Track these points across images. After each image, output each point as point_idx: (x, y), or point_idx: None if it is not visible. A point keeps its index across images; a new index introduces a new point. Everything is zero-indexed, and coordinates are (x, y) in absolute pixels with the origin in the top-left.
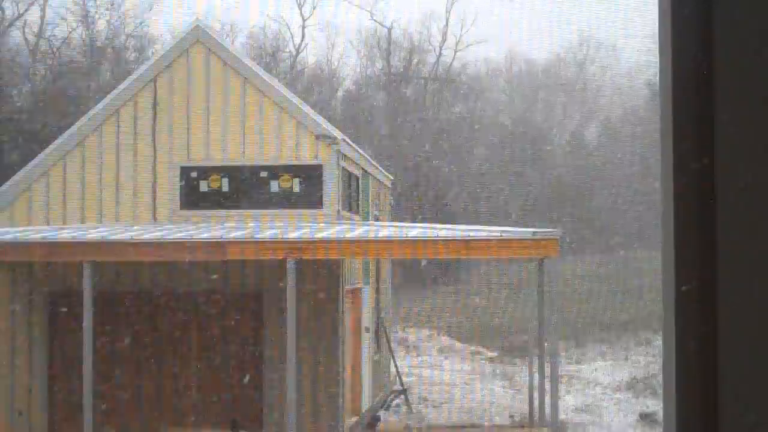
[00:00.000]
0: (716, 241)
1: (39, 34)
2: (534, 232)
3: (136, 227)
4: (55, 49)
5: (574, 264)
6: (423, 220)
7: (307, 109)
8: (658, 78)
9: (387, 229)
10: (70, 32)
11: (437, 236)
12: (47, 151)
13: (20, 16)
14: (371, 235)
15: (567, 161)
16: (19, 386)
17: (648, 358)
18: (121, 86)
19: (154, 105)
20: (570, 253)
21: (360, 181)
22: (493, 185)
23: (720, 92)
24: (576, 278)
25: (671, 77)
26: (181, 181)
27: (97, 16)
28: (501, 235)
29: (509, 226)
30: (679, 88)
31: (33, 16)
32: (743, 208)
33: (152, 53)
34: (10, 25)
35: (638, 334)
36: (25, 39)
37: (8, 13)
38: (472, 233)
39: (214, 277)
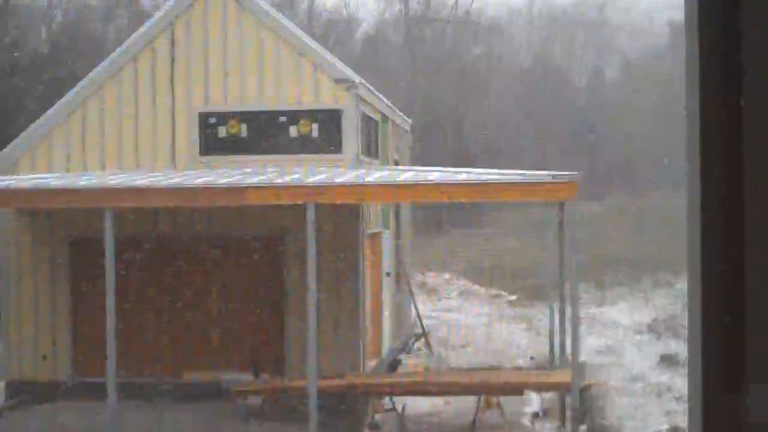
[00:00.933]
0: (743, 177)
1: None
2: (553, 175)
3: (156, 173)
4: None
5: (595, 206)
6: (442, 164)
7: (325, 53)
8: (683, 14)
9: (406, 173)
10: None
11: (456, 179)
12: (66, 98)
13: None
14: (390, 178)
15: (587, 101)
16: (43, 331)
17: (669, 299)
18: (139, 31)
19: (172, 49)
20: (591, 195)
21: (379, 125)
22: (513, 127)
23: (747, 29)
24: (596, 220)
25: (697, 16)
26: (200, 126)
27: None
28: (520, 178)
29: (528, 168)
30: (705, 24)
31: None
32: None
33: None
34: None
35: (659, 276)
36: None
37: None
38: (491, 176)
39: (234, 222)
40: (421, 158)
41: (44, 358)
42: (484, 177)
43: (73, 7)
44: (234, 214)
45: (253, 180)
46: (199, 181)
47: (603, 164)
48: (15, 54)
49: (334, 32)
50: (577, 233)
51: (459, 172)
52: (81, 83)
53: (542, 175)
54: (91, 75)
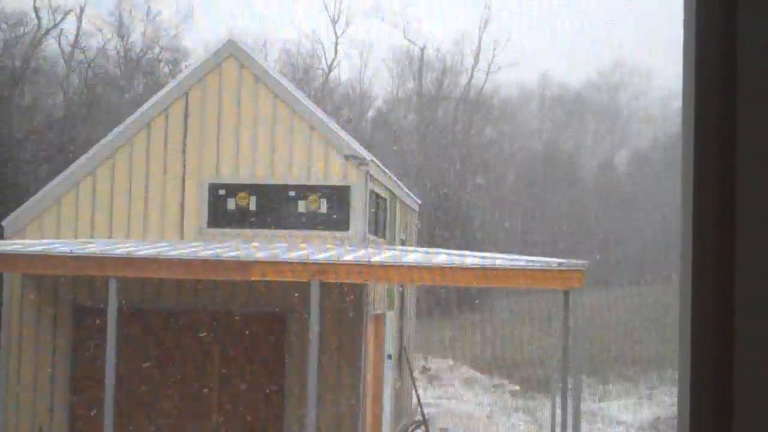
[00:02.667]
0: (735, 259)
1: (74, 44)
2: (559, 263)
3: (162, 244)
4: (89, 60)
5: (600, 296)
6: (450, 246)
7: (336, 128)
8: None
9: (413, 255)
10: (104, 43)
11: (463, 263)
12: (77, 163)
13: (56, 25)
14: (397, 260)
15: (596, 188)
16: (41, 401)
17: (673, 397)
18: (153, 99)
19: (185, 118)
20: (596, 285)
21: (388, 204)
22: (521, 211)
23: (742, 105)
24: (601, 311)
25: (694, 95)
26: (209, 198)
27: (131, 27)
28: (526, 265)
29: (535, 254)
30: (701, 103)
31: (69, 25)
32: (764, 226)
33: (185, 66)
34: (46, 33)
35: (664, 371)
36: (61, 49)
37: (44, 22)
38: (497, 261)
39: (238, 297)
40: (428, 239)
41: (40, 429)
42: (490, 262)
43: (92, 73)
44: (238, 289)
45: (260, 255)
46: (204, 254)
47: (611, 254)
48: (30, 118)
49: (346, 108)
50: (583, 323)
51: (466, 256)
52: (93, 149)
53: (549, 262)
54: (103, 141)
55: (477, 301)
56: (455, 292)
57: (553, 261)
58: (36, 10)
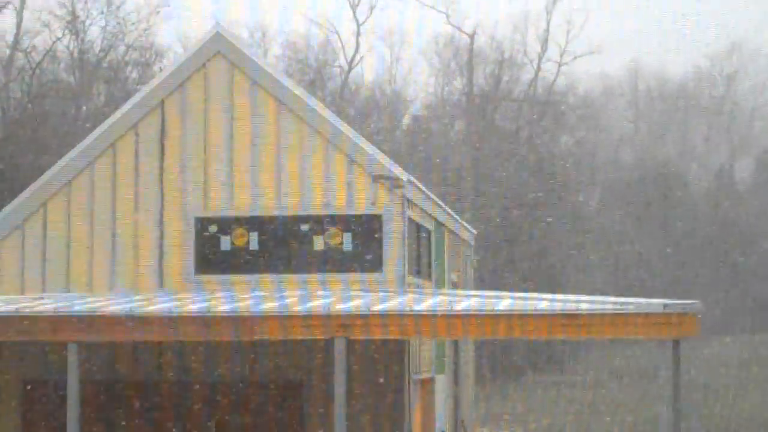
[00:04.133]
0: None
1: (14, 46)
2: (665, 305)
3: (137, 297)
4: (34, 65)
5: (720, 346)
6: (517, 287)
7: (362, 141)
8: None
9: (468, 300)
10: (54, 42)
11: (534, 310)
12: (22, 197)
13: None
14: (446, 307)
15: (709, 206)
16: None
17: None
18: (119, 112)
19: (162, 136)
20: (714, 333)
21: (432, 236)
22: (610, 240)
23: None
24: (721, 365)
25: None
26: (196, 236)
27: (88, 21)
28: (620, 309)
29: (631, 295)
30: None
31: (6, 22)
32: None
33: (159, 69)
34: None
35: None
36: None
37: None
38: (581, 305)
39: (239, 362)
40: (488, 279)
41: None
42: (573, 306)
43: (38, 82)
44: (238, 352)
45: (265, 307)
46: (192, 308)
47: (733, 293)
48: None
49: (374, 114)
50: (699, 381)
51: (538, 299)
52: (42, 178)
53: (650, 304)
54: (55, 167)
55: (556, 357)
56: (527, 347)
57: (657, 303)
58: None
